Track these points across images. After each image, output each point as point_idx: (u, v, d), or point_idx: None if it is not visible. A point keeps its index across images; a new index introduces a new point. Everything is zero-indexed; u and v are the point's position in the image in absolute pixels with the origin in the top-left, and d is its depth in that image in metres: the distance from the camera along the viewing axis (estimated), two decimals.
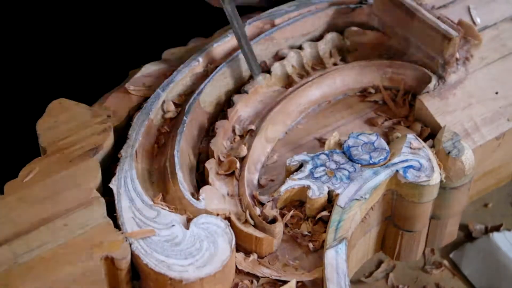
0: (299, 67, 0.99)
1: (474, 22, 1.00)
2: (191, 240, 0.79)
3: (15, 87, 1.10)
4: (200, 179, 0.89)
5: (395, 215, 0.89)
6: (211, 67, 0.96)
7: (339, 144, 0.89)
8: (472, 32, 0.97)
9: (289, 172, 0.87)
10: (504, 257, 0.99)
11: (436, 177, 0.86)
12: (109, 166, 0.87)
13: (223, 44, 0.98)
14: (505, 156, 0.96)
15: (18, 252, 0.77)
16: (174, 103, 0.93)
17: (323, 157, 0.87)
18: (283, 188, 0.85)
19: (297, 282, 0.81)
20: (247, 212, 0.84)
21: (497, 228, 1.03)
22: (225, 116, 0.92)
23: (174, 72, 0.94)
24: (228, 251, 0.78)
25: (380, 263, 1.01)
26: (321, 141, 0.93)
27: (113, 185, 0.83)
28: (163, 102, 0.92)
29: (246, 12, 1.05)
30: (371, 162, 0.86)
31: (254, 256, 0.83)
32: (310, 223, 0.85)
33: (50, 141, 0.86)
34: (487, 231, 1.04)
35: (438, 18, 0.95)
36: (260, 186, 0.89)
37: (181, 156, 0.87)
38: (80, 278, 0.76)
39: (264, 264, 0.82)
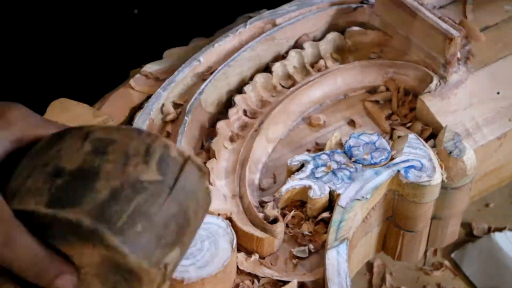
0: (300, 67, 0.98)
1: (466, 17, 1.00)
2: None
3: (16, 87, 1.10)
4: None
5: (396, 215, 0.89)
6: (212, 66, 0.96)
7: (340, 144, 0.89)
8: (474, 32, 0.97)
9: (290, 172, 0.87)
10: (505, 257, 0.99)
11: (438, 177, 0.85)
12: None
13: (224, 44, 0.97)
14: (506, 156, 0.96)
15: None
16: (175, 103, 0.93)
17: (324, 157, 0.87)
18: (284, 188, 0.85)
19: (298, 282, 0.81)
20: (248, 212, 0.84)
21: (500, 230, 1.03)
22: (226, 116, 0.92)
23: (175, 72, 0.94)
24: (229, 251, 0.78)
25: (371, 266, 1.01)
26: (322, 141, 0.93)
27: None
28: (163, 105, 0.92)
29: (246, 11, 1.05)
30: (372, 162, 0.86)
31: (255, 256, 0.82)
32: (311, 223, 0.85)
33: None
34: (489, 231, 1.04)
35: (440, 18, 0.94)
36: (261, 186, 0.89)
37: None
38: None
39: (265, 264, 0.82)
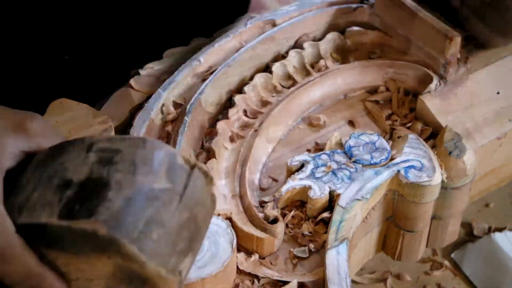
0: (300, 67, 0.98)
1: None
2: None
3: (16, 87, 1.10)
4: None
5: (396, 215, 0.89)
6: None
7: (340, 144, 0.89)
8: None
9: (290, 172, 0.87)
10: (505, 257, 0.99)
11: (438, 177, 0.85)
12: None
13: (224, 44, 0.97)
14: (506, 156, 0.96)
15: None
16: (175, 103, 0.93)
17: (324, 157, 0.87)
18: (284, 188, 0.85)
19: (298, 282, 0.81)
20: (248, 212, 0.84)
21: (500, 230, 1.03)
22: (226, 116, 0.92)
23: (175, 72, 0.94)
24: (229, 251, 0.78)
25: (372, 272, 1.01)
26: (322, 141, 0.93)
27: None
28: (163, 105, 0.92)
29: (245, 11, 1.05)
30: (372, 162, 0.86)
31: (255, 256, 0.82)
32: (311, 223, 0.85)
33: None
34: (490, 231, 1.04)
35: (440, 18, 0.94)
36: (261, 186, 0.89)
37: None
38: None
39: (265, 265, 0.82)
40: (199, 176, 0.66)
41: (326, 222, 0.84)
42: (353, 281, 0.94)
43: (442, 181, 0.86)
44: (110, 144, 0.65)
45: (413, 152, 0.87)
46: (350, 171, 0.86)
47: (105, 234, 0.61)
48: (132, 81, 0.94)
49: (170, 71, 0.95)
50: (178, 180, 0.64)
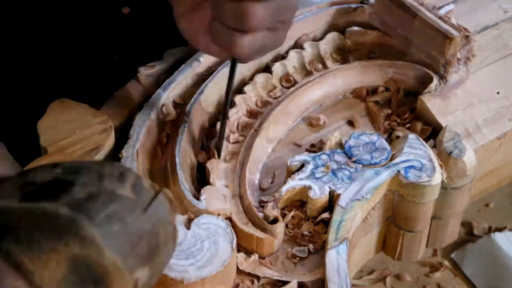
0: (300, 67, 0.98)
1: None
2: (192, 240, 0.79)
3: (16, 87, 1.10)
4: (201, 179, 0.89)
5: (396, 215, 0.89)
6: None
7: (340, 144, 0.89)
8: None
9: (290, 172, 0.87)
10: (505, 257, 0.99)
11: (438, 177, 0.85)
12: None
13: None
14: (506, 156, 0.96)
15: None
16: (175, 103, 0.93)
17: (324, 157, 0.87)
18: (284, 188, 0.85)
19: (298, 282, 0.81)
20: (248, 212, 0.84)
21: (500, 230, 1.03)
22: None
23: (175, 72, 0.94)
24: (229, 251, 0.78)
25: (371, 272, 1.01)
26: (322, 141, 0.93)
27: None
28: (162, 105, 0.92)
29: None
30: (372, 162, 0.86)
31: (255, 256, 0.82)
32: (311, 223, 0.85)
33: (51, 141, 0.86)
34: (490, 231, 1.04)
35: (440, 18, 0.94)
36: (260, 186, 0.89)
37: (182, 156, 0.87)
38: None
39: (265, 265, 0.82)
40: (163, 201, 0.66)
41: (326, 222, 0.84)
42: (352, 285, 0.94)
43: (442, 181, 0.86)
44: (76, 163, 0.65)
45: (413, 152, 0.87)
46: (350, 171, 0.86)
47: (67, 214, 0.60)
48: (132, 81, 0.94)
49: (170, 71, 0.95)
50: (143, 195, 0.64)
